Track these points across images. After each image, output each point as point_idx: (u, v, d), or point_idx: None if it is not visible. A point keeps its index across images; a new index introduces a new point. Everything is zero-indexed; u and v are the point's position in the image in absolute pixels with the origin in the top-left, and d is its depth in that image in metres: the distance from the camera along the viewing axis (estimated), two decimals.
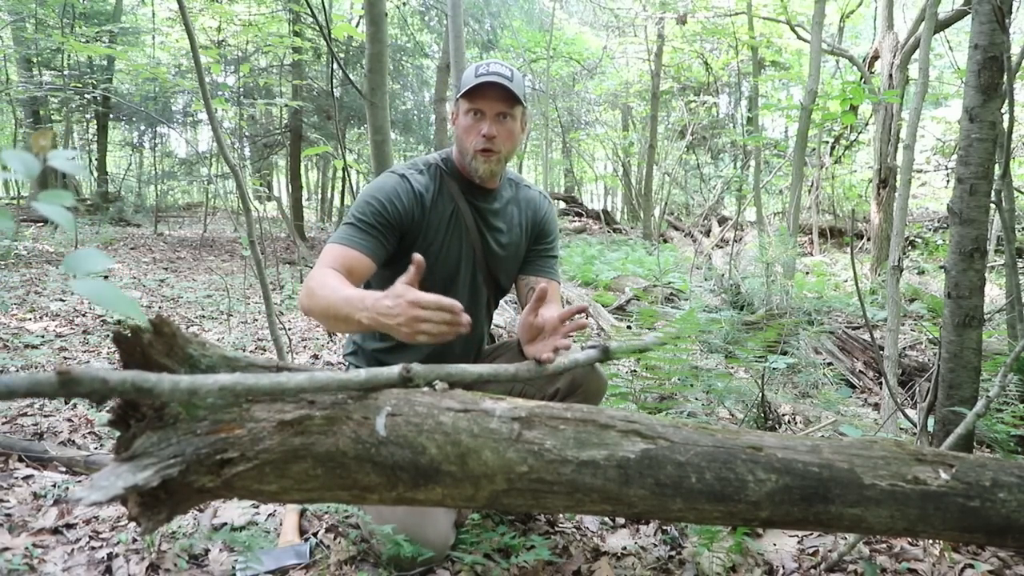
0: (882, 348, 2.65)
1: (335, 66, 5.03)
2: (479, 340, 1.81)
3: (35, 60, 11.07)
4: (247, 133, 10.61)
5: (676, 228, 12.78)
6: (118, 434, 0.92)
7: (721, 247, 9.34)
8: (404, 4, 10.79)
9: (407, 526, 1.45)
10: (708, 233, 11.59)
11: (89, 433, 2.34)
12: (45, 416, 2.45)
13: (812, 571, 1.54)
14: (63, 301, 4.68)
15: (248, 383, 0.84)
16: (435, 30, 11.37)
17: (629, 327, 3.91)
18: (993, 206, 1.92)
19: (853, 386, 3.57)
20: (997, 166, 1.89)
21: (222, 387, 0.80)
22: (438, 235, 1.64)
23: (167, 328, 0.91)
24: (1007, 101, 1.85)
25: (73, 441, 2.25)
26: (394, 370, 1.02)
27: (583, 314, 1.35)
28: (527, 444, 1.03)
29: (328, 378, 0.94)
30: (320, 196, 17.12)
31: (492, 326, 1.95)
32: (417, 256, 1.18)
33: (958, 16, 6.33)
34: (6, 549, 1.49)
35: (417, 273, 1.18)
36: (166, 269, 7.10)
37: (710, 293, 5.77)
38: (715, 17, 11.24)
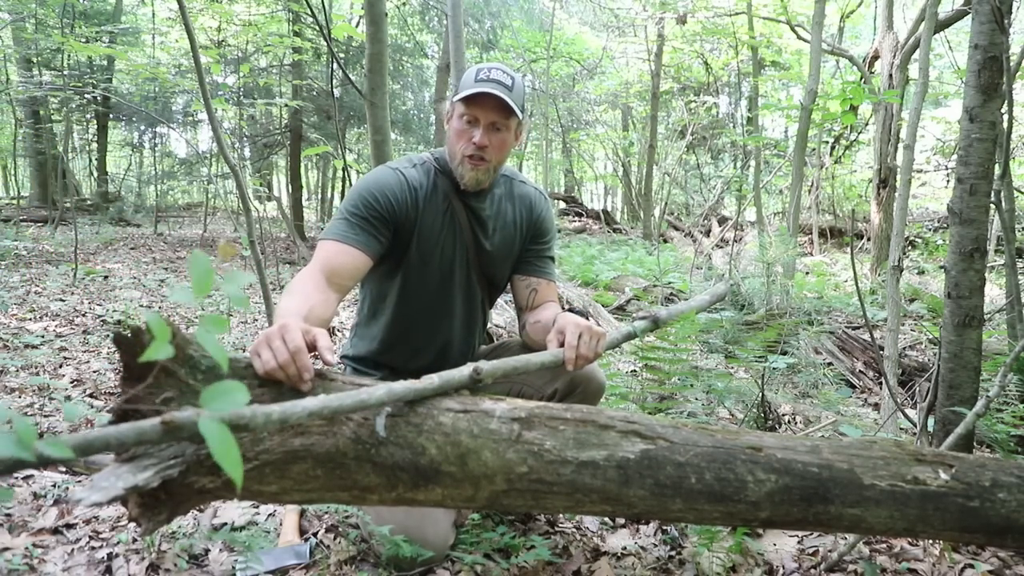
0: (882, 348, 2.65)
1: (335, 66, 5.02)
2: (476, 339, 1.80)
3: (35, 60, 11.05)
4: (247, 133, 10.60)
5: (676, 228, 12.77)
6: None
7: (721, 247, 9.34)
8: (404, 4, 10.78)
9: (407, 526, 1.44)
10: (708, 233, 11.58)
11: None
12: (45, 416, 2.45)
13: (812, 571, 1.54)
14: (63, 301, 4.68)
15: (333, 405, 0.88)
16: (435, 30, 11.36)
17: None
18: (993, 206, 1.92)
19: (853, 386, 3.57)
20: (997, 166, 1.89)
21: (311, 412, 0.85)
22: (433, 231, 1.62)
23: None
24: (1007, 101, 1.84)
25: None
26: (464, 371, 1.07)
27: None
28: (527, 445, 1.04)
29: (405, 388, 0.99)
30: (320, 196, 17.10)
31: (492, 326, 1.94)
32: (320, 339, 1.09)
33: (958, 16, 6.33)
34: (6, 549, 1.49)
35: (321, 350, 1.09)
36: (166, 269, 7.10)
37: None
38: (715, 17, 11.23)
